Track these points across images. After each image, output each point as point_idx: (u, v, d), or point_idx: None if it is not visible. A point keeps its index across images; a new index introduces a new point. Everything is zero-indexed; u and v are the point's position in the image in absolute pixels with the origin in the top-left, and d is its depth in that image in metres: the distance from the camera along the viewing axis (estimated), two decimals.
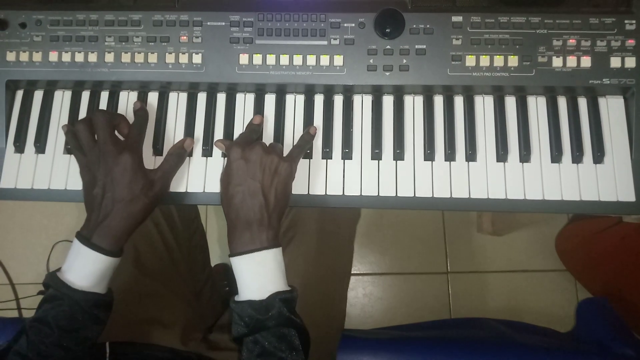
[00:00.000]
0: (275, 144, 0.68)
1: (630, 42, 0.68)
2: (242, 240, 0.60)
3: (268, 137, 0.71)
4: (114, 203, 0.60)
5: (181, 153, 0.68)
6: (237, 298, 0.60)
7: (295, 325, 0.58)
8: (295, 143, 0.69)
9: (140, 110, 0.70)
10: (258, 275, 0.59)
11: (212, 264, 0.94)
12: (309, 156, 0.70)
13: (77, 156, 0.66)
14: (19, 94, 0.73)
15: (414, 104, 0.71)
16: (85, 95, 0.73)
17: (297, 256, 0.78)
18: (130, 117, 0.70)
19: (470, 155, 0.69)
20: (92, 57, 0.70)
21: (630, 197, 0.67)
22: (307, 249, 0.79)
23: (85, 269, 0.59)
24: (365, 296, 1.46)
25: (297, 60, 0.70)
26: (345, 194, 0.69)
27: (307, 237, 0.79)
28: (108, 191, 0.61)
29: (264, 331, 0.57)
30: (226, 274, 1.42)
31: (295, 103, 0.72)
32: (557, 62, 0.68)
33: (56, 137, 0.71)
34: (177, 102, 0.72)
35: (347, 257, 0.85)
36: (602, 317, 1.09)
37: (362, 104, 0.72)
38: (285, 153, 0.67)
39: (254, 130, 0.68)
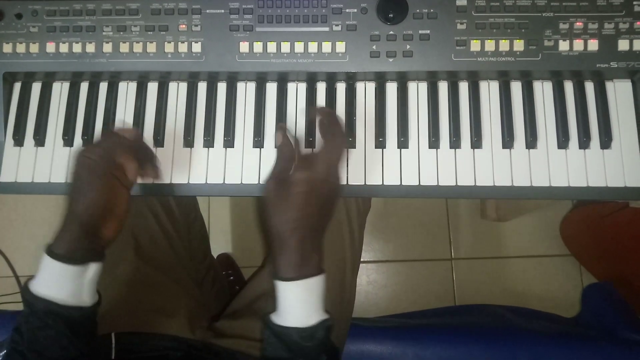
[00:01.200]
0: (324, 161, 0.60)
1: (639, 24, 0.66)
2: (291, 265, 0.58)
3: (269, 126, 0.70)
4: (72, 205, 0.59)
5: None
6: (279, 322, 0.59)
7: (333, 350, 0.60)
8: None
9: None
10: (306, 303, 0.59)
11: (216, 254, 0.94)
12: (311, 145, 0.69)
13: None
14: (17, 86, 0.72)
15: (418, 91, 0.70)
16: (84, 87, 0.72)
17: None
18: (130, 108, 0.69)
19: (476, 142, 0.68)
20: (90, 48, 0.69)
21: (638, 182, 0.66)
22: None
23: (45, 275, 0.56)
24: (370, 284, 1.46)
25: (299, 47, 0.68)
26: (349, 183, 0.68)
27: None
28: (70, 196, 0.59)
29: (303, 357, 0.58)
30: (229, 263, 1.42)
31: (297, 91, 0.71)
32: (563, 45, 0.67)
33: (55, 129, 0.71)
34: (177, 92, 0.71)
35: (357, 247, 0.85)
36: (608, 302, 1.09)
37: (365, 91, 0.71)
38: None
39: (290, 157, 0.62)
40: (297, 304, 0.59)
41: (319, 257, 0.59)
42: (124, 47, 0.69)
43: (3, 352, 0.80)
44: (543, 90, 0.70)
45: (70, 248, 0.57)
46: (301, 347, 0.57)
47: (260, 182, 0.68)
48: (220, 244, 1.47)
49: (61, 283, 0.56)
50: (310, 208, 0.58)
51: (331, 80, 0.71)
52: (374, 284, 1.46)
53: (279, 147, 0.63)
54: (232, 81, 0.71)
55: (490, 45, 0.67)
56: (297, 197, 0.57)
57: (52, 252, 0.56)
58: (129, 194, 0.62)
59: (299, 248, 0.58)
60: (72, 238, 0.57)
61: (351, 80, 0.71)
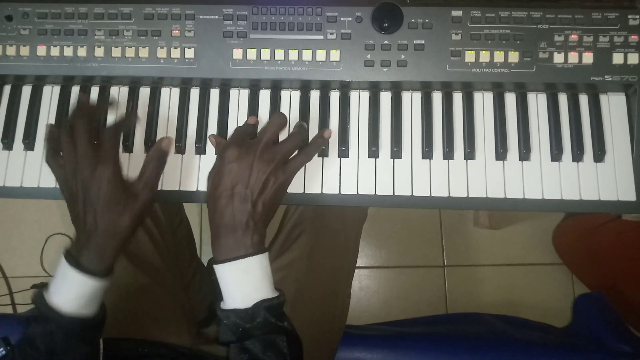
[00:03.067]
0: (277, 146, 0.61)
1: (634, 38, 0.66)
2: (225, 247, 0.58)
3: None
4: (97, 222, 0.56)
5: (161, 155, 0.63)
6: (222, 305, 0.59)
7: (283, 331, 0.57)
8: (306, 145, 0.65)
9: (108, 105, 0.66)
10: (242, 284, 0.57)
11: (207, 257, 0.93)
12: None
13: (54, 169, 0.61)
14: (7, 89, 0.71)
15: (412, 101, 0.70)
16: (75, 91, 0.71)
17: (302, 254, 0.78)
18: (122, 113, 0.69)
19: (469, 154, 0.68)
20: (82, 52, 0.68)
21: (631, 196, 0.66)
22: (313, 248, 0.78)
23: (73, 292, 0.56)
24: (362, 290, 1.46)
25: (293, 55, 0.68)
26: (342, 192, 0.67)
27: (313, 236, 0.78)
28: (89, 210, 0.56)
29: (250, 339, 0.56)
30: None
31: (290, 99, 0.71)
32: (558, 58, 0.67)
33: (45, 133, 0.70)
34: (170, 97, 0.71)
35: (352, 256, 0.85)
36: (599, 312, 1.09)
37: (359, 100, 0.70)
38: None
39: (248, 132, 0.65)
40: (233, 286, 0.57)
41: (259, 237, 0.58)
42: (116, 52, 0.68)
43: (1, 351, 0.79)
44: (537, 103, 0.69)
45: (100, 263, 0.57)
46: (243, 329, 0.56)
47: None
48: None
49: (87, 297, 0.56)
50: (241, 184, 0.58)
51: (325, 88, 0.70)
52: (365, 290, 1.46)
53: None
54: (225, 88, 0.71)
55: (485, 56, 0.67)
56: (228, 173, 0.58)
57: (80, 264, 0.56)
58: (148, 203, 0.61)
59: (232, 228, 0.57)
60: (101, 254, 0.57)
61: (345, 89, 0.70)
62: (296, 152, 0.64)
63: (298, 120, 0.69)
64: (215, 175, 0.60)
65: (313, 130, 0.69)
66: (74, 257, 0.57)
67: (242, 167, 0.59)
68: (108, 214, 0.56)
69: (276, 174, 0.60)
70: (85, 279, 0.56)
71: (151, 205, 0.62)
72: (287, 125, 0.67)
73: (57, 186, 0.67)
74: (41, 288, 0.57)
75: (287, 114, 0.70)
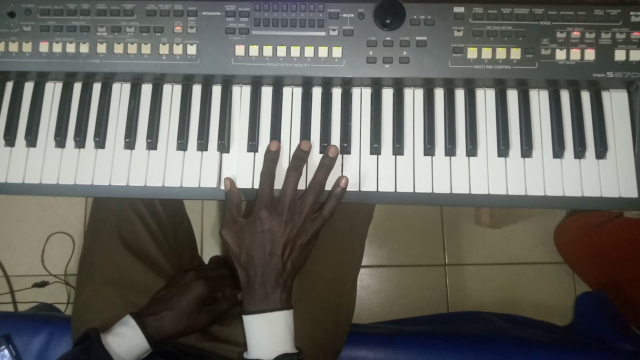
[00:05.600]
0: (302, 204, 0.64)
1: (636, 35, 0.66)
2: (255, 299, 0.62)
3: (264, 130, 0.70)
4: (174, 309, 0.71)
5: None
6: (246, 355, 0.63)
7: None
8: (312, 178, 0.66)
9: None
10: (268, 336, 0.61)
11: (209, 256, 0.93)
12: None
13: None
14: (9, 85, 0.71)
15: (414, 97, 0.70)
16: (77, 87, 0.71)
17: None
18: (124, 110, 0.69)
19: (471, 150, 0.68)
20: (84, 48, 0.68)
21: (633, 193, 0.66)
22: (318, 249, 0.78)
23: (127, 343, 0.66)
24: (363, 288, 1.46)
25: (295, 51, 0.68)
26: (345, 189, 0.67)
27: (319, 236, 0.78)
28: (174, 306, 0.71)
29: None
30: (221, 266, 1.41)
31: (292, 96, 0.71)
32: (560, 54, 0.67)
33: (47, 130, 0.70)
34: (172, 94, 0.71)
35: (357, 258, 0.85)
36: (601, 311, 1.09)
37: (361, 97, 0.70)
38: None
39: (301, 157, 0.66)
40: (260, 337, 0.62)
41: (287, 294, 0.63)
42: (118, 48, 0.68)
43: (0, 350, 0.79)
44: (539, 99, 0.69)
45: (157, 333, 0.69)
46: None
47: (254, 187, 0.68)
48: (212, 246, 1.46)
49: (133, 351, 0.67)
50: (272, 247, 0.62)
51: (327, 85, 0.70)
52: (367, 288, 1.46)
53: (227, 193, 0.66)
54: (227, 84, 0.71)
55: (487, 53, 0.67)
56: (261, 236, 0.62)
57: (146, 329, 0.68)
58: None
59: (262, 284, 0.62)
60: (164, 325, 0.70)
61: (347, 85, 0.70)
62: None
63: (301, 143, 0.68)
64: (248, 235, 0.63)
65: (316, 127, 0.69)
66: (142, 318, 0.69)
67: (272, 230, 0.62)
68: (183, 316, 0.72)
69: (301, 237, 0.64)
70: (139, 337, 0.68)
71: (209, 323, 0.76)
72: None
73: (59, 183, 0.68)
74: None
75: (289, 111, 0.70)
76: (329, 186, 0.66)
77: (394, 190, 0.67)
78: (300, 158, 0.66)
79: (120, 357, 0.65)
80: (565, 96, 0.69)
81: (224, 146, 0.69)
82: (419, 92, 0.70)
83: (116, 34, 0.68)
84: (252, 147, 0.69)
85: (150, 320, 0.69)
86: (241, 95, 0.70)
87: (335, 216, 0.67)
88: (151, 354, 0.70)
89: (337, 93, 0.70)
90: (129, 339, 0.66)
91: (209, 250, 1.46)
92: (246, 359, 0.62)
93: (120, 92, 0.71)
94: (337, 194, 0.65)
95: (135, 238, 0.81)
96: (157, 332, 0.69)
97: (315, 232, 0.65)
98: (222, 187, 0.67)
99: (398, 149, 0.68)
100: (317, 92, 0.71)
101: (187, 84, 0.71)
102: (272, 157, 0.66)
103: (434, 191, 0.67)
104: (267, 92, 0.70)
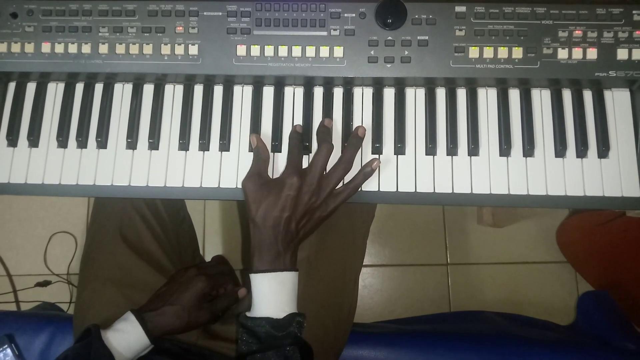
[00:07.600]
0: (328, 179, 0.64)
1: (638, 34, 0.66)
2: (266, 259, 0.63)
3: (266, 130, 0.70)
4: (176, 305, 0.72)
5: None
6: (249, 314, 0.63)
7: (303, 346, 0.62)
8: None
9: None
10: (278, 295, 0.62)
11: (211, 255, 0.94)
12: (308, 150, 0.69)
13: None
14: (11, 86, 0.71)
15: (415, 97, 0.70)
16: (79, 88, 0.71)
17: (310, 254, 0.78)
18: (126, 110, 0.69)
19: (473, 150, 0.68)
20: (86, 48, 0.69)
21: (635, 192, 0.66)
22: (320, 248, 0.78)
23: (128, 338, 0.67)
24: (365, 288, 1.46)
25: (296, 51, 0.68)
26: None
27: (320, 236, 0.78)
28: (175, 301, 0.72)
29: (271, 350, 0.59)
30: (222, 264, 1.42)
31: (294, 95, 0.71)
32: (562, 53, 0.67)
33: (50, 130, 0.70)
34: (173, 94, 0.71)
35: (359, 256, 0.85)
36: (603, 311, 1.09)
37: (363, 96, 0.70)
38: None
39: (326, 132, 0.67)
40: (270, 295, 0.62)
41: (295, 257, 0.65)
42: (120, 49, 0.68)
43: (3, 349, 0.80)
44: (541, 98, 0.69)
45: (157, 328, 0.70)
46: (273, 337, 0.60)
47: None
48: (215, 245, 1.47)
49: (133, 347, 0.68)
50: (293, 212, 0.63)
51: (328, 84, 0.70)
52: (369, 288, 1.46)
53: (255, 148, 0.67)
54: (228, 84, 0.71)
55: (488, 52, 0.67)
56: (285, 199, 0.62)
57: (146, 324, 0.68)
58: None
59: (275, 244, 0.62)
60: (165, 321, 0.70)
61: (349, 85, 0.70)
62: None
63: (323, 120, 0.69)
64: (273, 197, 0.63)
65: (317, 125, 0.69)
66: (143, 315, 0.70)
67: (297, 197, 0.63)
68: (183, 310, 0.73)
69: (320, 209, 0.65)
70: (141, 335, 0.69)
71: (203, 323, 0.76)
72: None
73: (61, 183, 0.68)
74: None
75: (290, 110, 0.70)
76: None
77: (395, 189, 0.67)
78: (325, 133, 0.67)
79: (120, 353, 0.66)
80: (567, 95, 0.69)
81: (225, 146, 0.69)
82: (421, 92, 0.70)
83: (118, 34, 0.69)
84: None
85: (150, 315, 0.70)
86: (243, 95, 0.71)
87: (337, 215, 0.68)
88: (153, 352, 0.70)
89: (338, 93, 0.70)
90: (128, 335, 0.67)
91: (210, 249, 1.47)
92: (254, 317, 0.62)
93: (122, 93, 0.71)
94: (366, 172, 0.65)
95: (137, 237, 0.82)
96: (157, 327, 0.69)
97: (334, 208, 0.65)
98: (234, 185, 0.68)
99: (400, 149, 0.68)
100: (318, 92, 0.71)
101: (188, 84, 0.71)
102: (298, 129, 0.68)
103: (436, 191, 0.67)
104: (268, 92, 0.71)
